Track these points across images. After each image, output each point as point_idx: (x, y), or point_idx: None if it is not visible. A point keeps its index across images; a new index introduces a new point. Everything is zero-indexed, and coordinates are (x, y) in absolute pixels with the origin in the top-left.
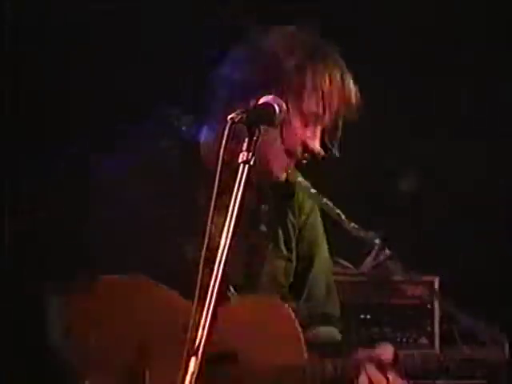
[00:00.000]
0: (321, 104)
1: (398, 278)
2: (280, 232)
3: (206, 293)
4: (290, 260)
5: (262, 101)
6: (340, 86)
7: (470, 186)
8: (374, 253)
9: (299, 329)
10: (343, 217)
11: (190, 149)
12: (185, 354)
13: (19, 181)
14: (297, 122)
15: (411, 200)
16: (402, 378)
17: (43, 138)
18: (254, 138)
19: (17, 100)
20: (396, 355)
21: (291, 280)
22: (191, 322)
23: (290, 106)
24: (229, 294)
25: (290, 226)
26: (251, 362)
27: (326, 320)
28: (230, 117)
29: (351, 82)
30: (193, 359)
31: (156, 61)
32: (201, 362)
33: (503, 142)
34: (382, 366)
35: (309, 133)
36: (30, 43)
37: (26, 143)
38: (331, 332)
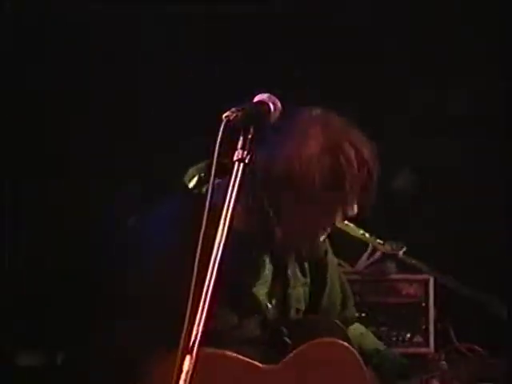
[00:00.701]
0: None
1: (393, 276)
2: (296, 263)
3: (201, 291)
4: (306, 284)
5: (256, 99)
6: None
7: (469, 187)
8: (368, 252)
9: (364, 367)
10: (367, 235)
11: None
12: (179, 352)
13: (19, 181)
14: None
15: (409, 199)
16: None
17: (43, 138)
18: (249, 137)
19: (17, 100)
20: None
21: (307, 302)
22: (186, 319)
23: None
24: (286, 340)
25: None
26: None
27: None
28: (224, 115)
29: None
30: (187, 358)
31: (156, 61)
32: (195, 361)
33: (504, 141)
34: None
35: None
36: (30, 43)
37: (26, 143)
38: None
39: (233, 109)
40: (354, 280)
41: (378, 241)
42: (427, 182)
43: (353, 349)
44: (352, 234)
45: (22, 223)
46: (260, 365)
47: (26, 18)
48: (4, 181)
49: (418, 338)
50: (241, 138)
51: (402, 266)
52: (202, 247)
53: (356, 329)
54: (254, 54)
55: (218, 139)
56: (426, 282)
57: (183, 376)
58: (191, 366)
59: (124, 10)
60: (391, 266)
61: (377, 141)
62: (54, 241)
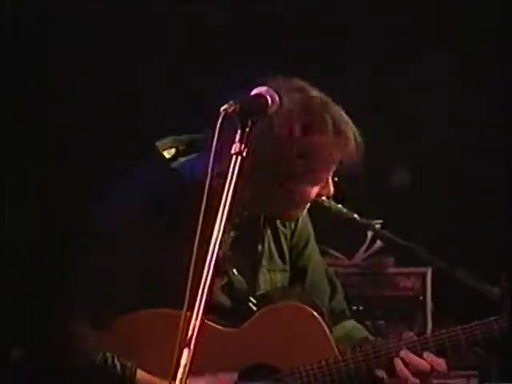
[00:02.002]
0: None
1: (390, 269)
2: (273, 246)
3: (199, 284)
4: (285, 270)
5: (254, 92)
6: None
7: (469, 187)
8: (366, 245)
9: (325, 327)
10: (344, 210)
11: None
12: (177, 346)
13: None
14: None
15: (405, 196)
16: (438, 357)
17: (43, 138)
18: (247, 130)
19: (17, 100)
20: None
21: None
22: (183, 314)
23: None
24: (250, 305)
25: (282, 237)
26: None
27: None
28: (222, 108)
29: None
30: (185, 351)
31: (156, 61)
32: (193, 354)
33: (504, 141)
34: (414, 348)
35: (323, 184)
36: (30, 43)
37: (26, 143)
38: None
39: (230, 102)
40: (351, 273)
41: (355, 215)
42: (428, 181)
43: (316, 313)
44: (327, 206)
45: (21, 223)
46: (220, 327)
47: (26, 18)
48: (4, 181)
49: (415, 332)
50: (238, 131)
51: (400, 260)
52: (199, 241)
53: (345, 325)
54: (254, 54)
55: (216, 132)
56: (424, 276)
57: (181, 369)
58: (189, 360)
59: (124, 10)
60: (389, 259)
61: (377, 140)
62: (54, 241)
